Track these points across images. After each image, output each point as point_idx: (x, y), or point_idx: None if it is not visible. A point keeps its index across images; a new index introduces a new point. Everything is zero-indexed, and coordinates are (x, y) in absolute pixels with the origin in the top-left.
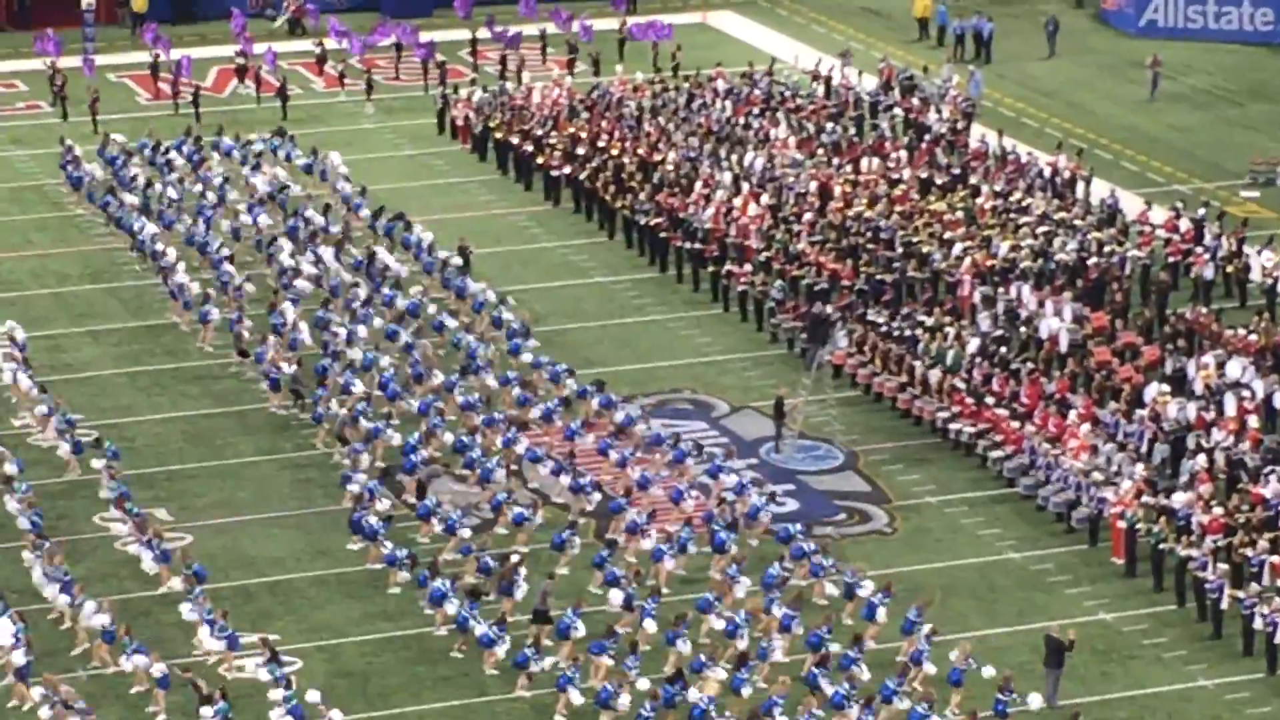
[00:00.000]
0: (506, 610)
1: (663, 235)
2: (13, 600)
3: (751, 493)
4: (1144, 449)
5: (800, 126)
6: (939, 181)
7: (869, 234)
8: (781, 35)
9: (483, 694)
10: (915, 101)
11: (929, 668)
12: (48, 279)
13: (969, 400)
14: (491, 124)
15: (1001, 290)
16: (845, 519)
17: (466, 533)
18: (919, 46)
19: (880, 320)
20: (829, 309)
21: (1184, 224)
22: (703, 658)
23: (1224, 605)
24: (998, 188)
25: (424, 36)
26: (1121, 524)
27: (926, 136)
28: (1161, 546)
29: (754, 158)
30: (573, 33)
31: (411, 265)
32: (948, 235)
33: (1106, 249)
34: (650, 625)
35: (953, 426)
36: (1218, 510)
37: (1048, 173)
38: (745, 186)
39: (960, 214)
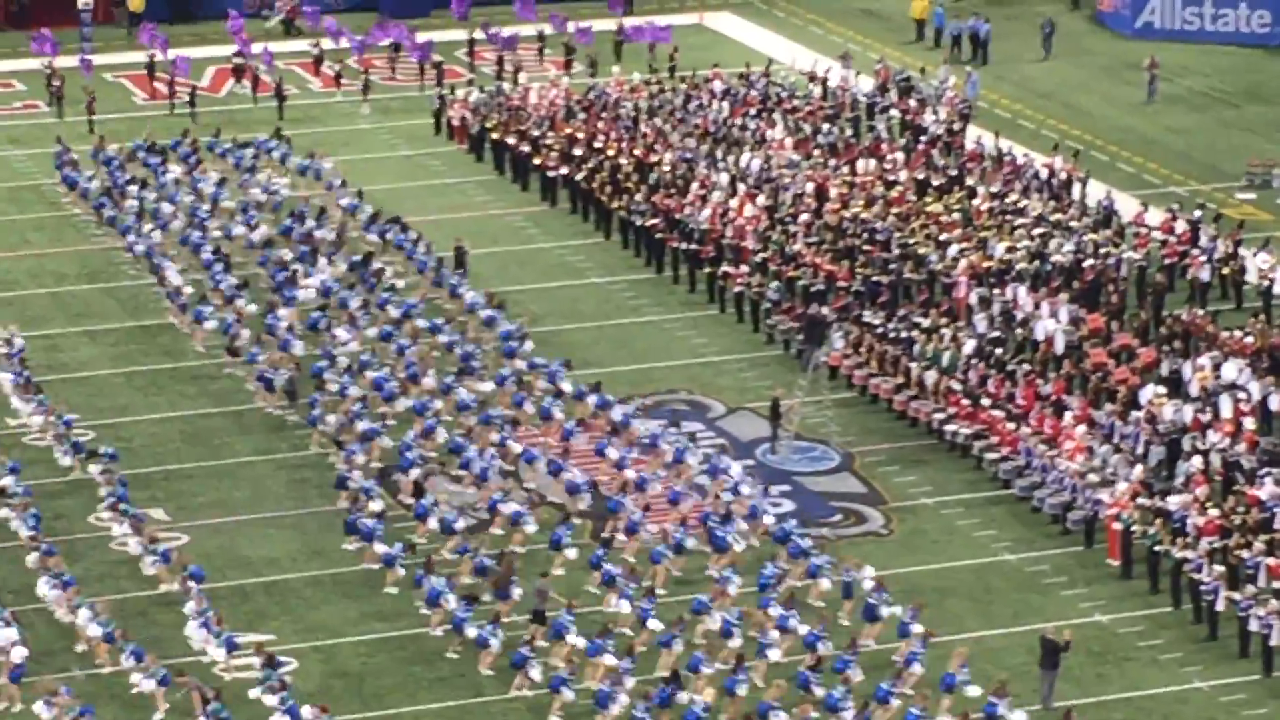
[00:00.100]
0: (503, 611)
1: (659, 236)
2: (8, 600)
3: (746, 489)
4: (1140, 451)
5: (797, 127)
6: (935, 183)
7: (865, 235)
8: (778, 36)
9: (478, 694)
10: (912, 103)
11: (916, 668)
12: (45, 279)
13: (965, 402)
14: (488, 124)
15: (998, 292)
16: (841, 520)
17: (460, 525)
18: (916, 48)
19: (876, 321)
20: (825, 310)
21: (1180, 226)
22: (700, 655)
23: (1220, 607)
24: (994, 189)
25: (421, 37)
26: (1117, 526)
27: (923, 138)
28: (1157, 548)
29: (750, 159)
30: (569, 34)
31: (405, 266)
32: (944, 237)
33: (1103, 251)
34: (655, 624)
35: (949, 428)
36: (1213, 512)
37: (1044, 174)
38: (742, 187)
39: (956, 215)
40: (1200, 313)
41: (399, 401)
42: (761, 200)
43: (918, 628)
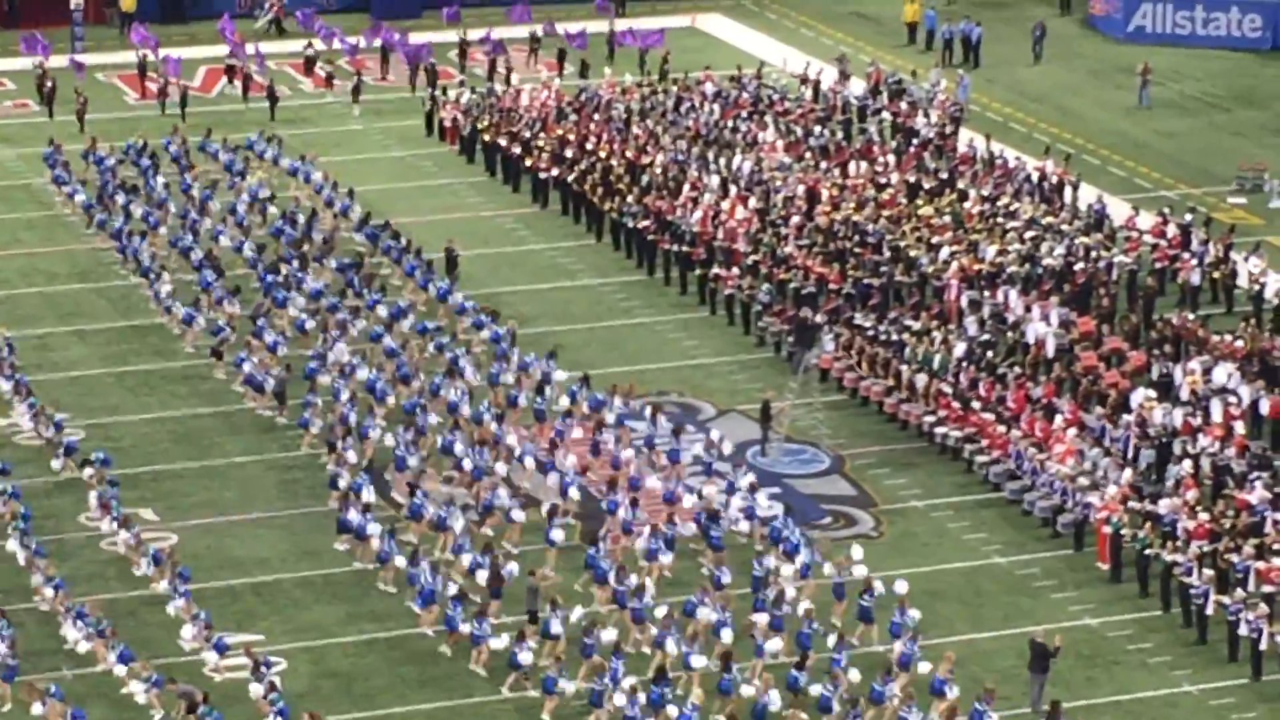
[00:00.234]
0: (493, 611)
1: (650, 238)
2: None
3: (738, 489)
4: (1130, 454)
5: (788, 130)
6: (927, 186)
7: (856, 238)
8: (770, 39)
9: (469, 695)
10: (903, 106)
11: (900, 670)
12: (35, 278)
13: (955, 405)
14: (480, 126)
15: (988, 295)
16: (831, 523)
17: (458, 526)
18: (908, 51)
19: (867, 324)
20: (812, 313)
21: (1171, 229)
22: (691, 650)
23: (1209, 611)
24: (985, 192)
25: (413, 38)
26: (1107, 529)
27: (914, 141)
28: (1147, 552)
29: (742, 161)
30: (559, 35)
31: (394, 270)
32: (935, 239)
33: (1094, 254)
34: (657, 620)
35: (939, 431)
36: (1203, 516)
37: (1035, 177)
38: (733, 190)
39: (948, 218)
40: (1191, 317)
41: (388, 400)
42: (753, 203)
43: (913, 612)
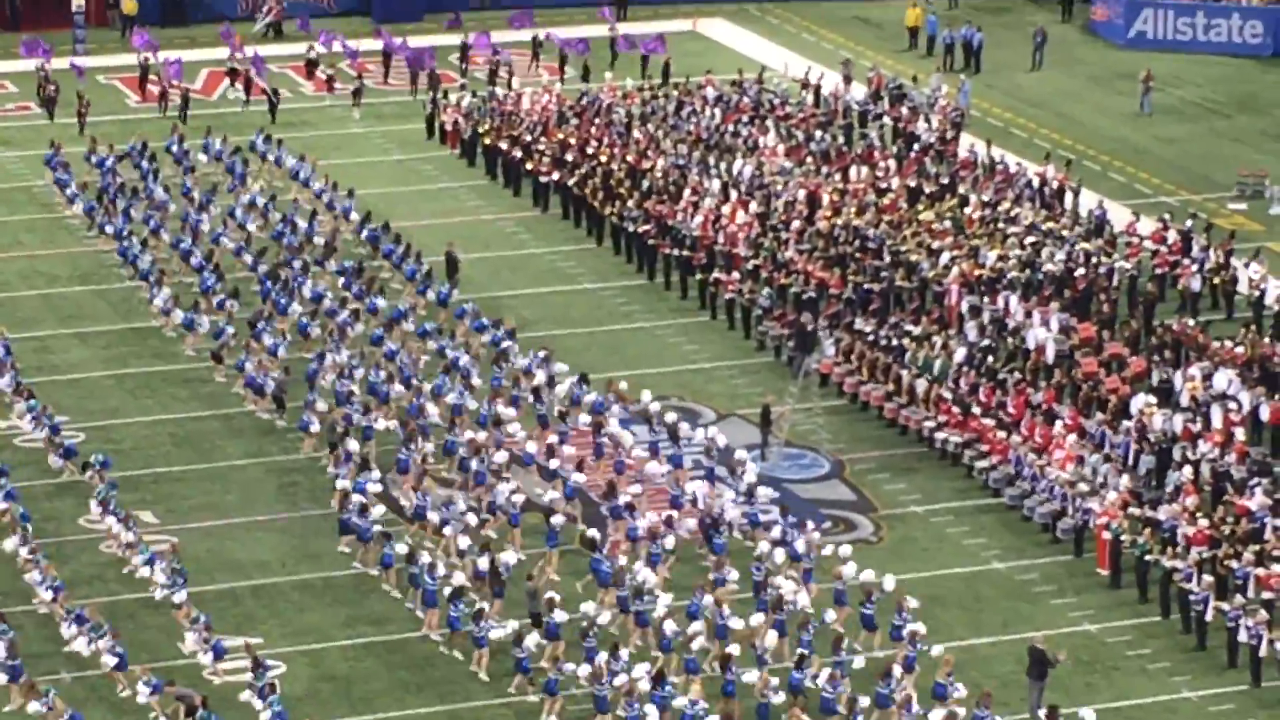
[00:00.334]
0: (496, 609)
1: (651, 242)
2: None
3: (739, 498)
4: (1130, 460)
5: (789, 134)
6: (927, 191)
7: (857, 243)
8: (771, 43)
9: (468, 699)
10: (904, 110)
11: (905, 673)
12: (36, 280)
13: (955, 410)
14: (480, 129)
15: (989, 300)
16: (831, 528)
17: (461, 528)
18: (909, 56)
19: (867, 329)
20: (814, 323)
21: (1171, 235)
22: (692, 659)
23: (1209, 617)
24: (986, 197)
25: (414, 42)
26: (1107, 535)
27: (915, 146)
28: (1147, 558)
29: (743, 165)
30: (560, 43)
31: (393, 274)
32: (935, 244)
33: (1094, 260)
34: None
35: (939, 436)
36: (1203, 522)
37: (1036, 183)
38: (734, 194)
39: (948, 223)
40: (1191, 322)
41: (389, 402)
42: (754, 207)
43: (914, 613)
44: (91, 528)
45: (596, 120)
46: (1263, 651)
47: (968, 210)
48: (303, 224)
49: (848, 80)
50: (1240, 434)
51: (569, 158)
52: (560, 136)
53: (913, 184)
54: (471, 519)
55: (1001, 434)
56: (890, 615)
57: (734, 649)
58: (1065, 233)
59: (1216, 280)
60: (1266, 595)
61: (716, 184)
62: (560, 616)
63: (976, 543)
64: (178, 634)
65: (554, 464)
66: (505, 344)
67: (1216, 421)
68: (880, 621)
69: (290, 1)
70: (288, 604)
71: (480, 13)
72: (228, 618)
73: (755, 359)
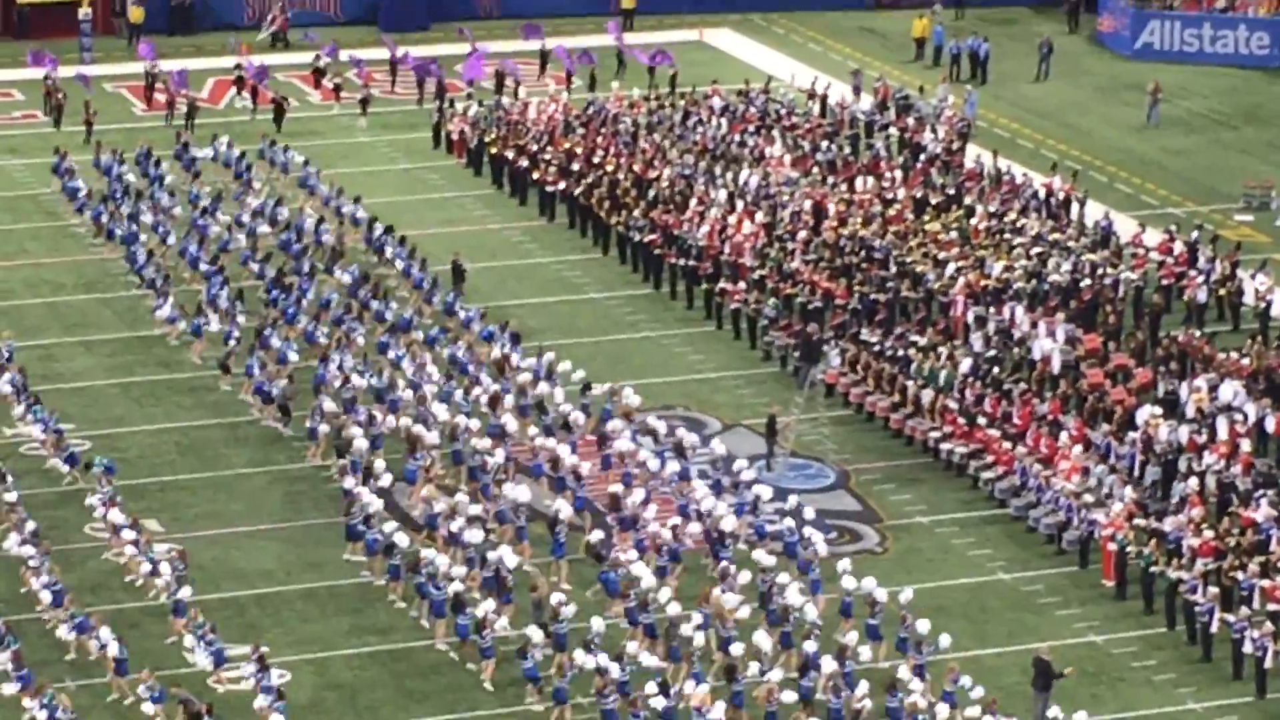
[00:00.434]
0: (507, 613)
1: (657, 252)
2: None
3: (745, 506)
4: (1135, 471)
5: (795, 145)
6: (934, 201)
7: (863, 253)
8: (778, 53)
9: (473, 708)
10: (910, 121)
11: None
12: (41, 288)
13: (961, 421)
14: (487, 139)
15: (994, 311)
16: (836, 538)
17: (476, 537)
18: (915, 66)
19: (873, 340)
20: (820, 333)
21: (1178, 247)
22: (699, 669)
23: (1214, 628)
24: (992, 208)
25: (420, 52)
26: (1112, 546)
27: (921, 156)
28: (1152, 569)
29: (749, 175)
30: (565, 55)
31: (400, 281)
32: (942, 255)
33: (1100, 271)
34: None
35: (944, 447)
36: (1208, 533)
37: (1042, 194)
38: (740, 204)
39: (954, 234)
40: (1197, 334)
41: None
42: (760, 217)
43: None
44: (98, 535)
45: (603, 130)
46: (1268, 663)
47: (974, 221)
48: (310, 231)
49: (857, 91)
50: (1246, 445)
51: (575, 167)
52: (566, 146)
53: (919, 194)
54: (478, 530)
55: (1007, 445)
56: (895, 626)
57: (737, 649)
58: (1071, 244)
59: (1222, 292)
60: (1272, 607)
61: (723, 194)
62: (568, 612)
63: (982, 554)
64: (182, 643)
65: (558, 472)
66: (509, 350)
67: (1222, 433)
68: (886, 633)
69: (296, 11)
70: (292, 613)
71: (487, 22)
72: (232, 626)
73: (761, 369)
